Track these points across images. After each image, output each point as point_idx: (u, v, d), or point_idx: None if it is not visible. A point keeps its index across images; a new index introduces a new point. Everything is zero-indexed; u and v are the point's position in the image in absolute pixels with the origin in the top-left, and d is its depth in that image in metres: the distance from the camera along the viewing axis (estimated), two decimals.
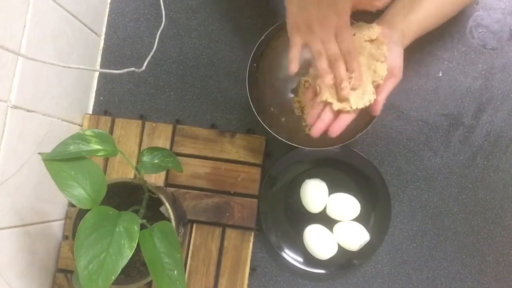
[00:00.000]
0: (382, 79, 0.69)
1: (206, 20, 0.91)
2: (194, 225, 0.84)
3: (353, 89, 0.66)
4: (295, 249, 0.84)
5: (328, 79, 0.66)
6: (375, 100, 0.69)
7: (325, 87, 0.67)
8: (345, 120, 0.68)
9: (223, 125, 0.89)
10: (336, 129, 0.67)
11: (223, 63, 0.90)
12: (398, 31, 0.71)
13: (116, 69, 0.72)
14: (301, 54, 0.68)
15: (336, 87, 0.67)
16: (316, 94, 0.69)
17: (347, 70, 0.66)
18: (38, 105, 0.74)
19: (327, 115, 0.68)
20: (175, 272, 0.58)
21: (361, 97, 0.68)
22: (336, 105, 0.67)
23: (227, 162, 0.86)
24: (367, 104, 0.68)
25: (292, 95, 0.87)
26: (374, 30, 0.70)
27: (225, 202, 0.85)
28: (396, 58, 0.70)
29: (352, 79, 0.66)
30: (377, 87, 0.69)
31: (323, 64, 0.66)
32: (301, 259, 0.84)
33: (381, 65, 0.69)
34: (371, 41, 0.70)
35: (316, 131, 0.68)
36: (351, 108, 0.67)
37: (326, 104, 0.68)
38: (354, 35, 0.70)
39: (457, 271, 0.85)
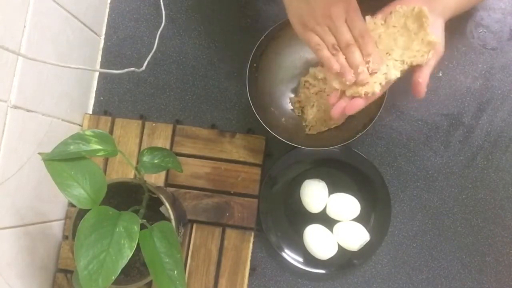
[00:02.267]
0: (422, 57, 0.64)
1: (206, 20, 0.91)
2: (194, 225, 0.84)
3: (373, 73, 0.63)
4: (295, 249, 0.84)
5: (335, 67, 0.63)
6: (416, 81, 0.64)
7: (331, 76, 0.65)
8: (358, 104, 0.64)
9: (223, 125, 0.89)
10: (349, 111, 0.65)
11: (223, 63, 0.90)
12: (440, 1, 0.66)
13: (116, 69, 0.72)
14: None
15: (343, 73, 0.63)
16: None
17: (362, 54, 0.63)
18: (38, 105, 0.74)
19: (342, 101, 0.66)
20: (175, 272, 0.58)
21: (373, 80, 0.64)
22: (348, 92, 0.65)
23: (227, 162, 0.86)
24: (377, 88, 0.64)
25: (292, 95, 0.87)
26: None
27: (225, 202, 0.85)
28: (436, 31, 0.65)
29: (369, 62, 0.63)
30: (416, 66, 0.65)
31: (324, 53, 0.63)
32: (301, 259, 0.84)
33: (420, 42, 0.64)
34: (410, 15, 0.65)
35: (334, 113, 0.66)
36: (362, 93, 0.64)
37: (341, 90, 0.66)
38: (391, 13, 0.66)
39: (457, 271, 0.85)
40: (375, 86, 0.64)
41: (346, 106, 0.65)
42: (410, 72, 0.67)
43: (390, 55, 0.65)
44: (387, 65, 0.65)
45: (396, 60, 0.65)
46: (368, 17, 0.68)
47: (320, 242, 0.81)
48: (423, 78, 0.65)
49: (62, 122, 0.82)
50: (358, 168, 0.84)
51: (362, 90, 0.64)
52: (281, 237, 0.84)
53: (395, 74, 0.64)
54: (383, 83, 0.64)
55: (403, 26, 0.66)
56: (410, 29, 0.65)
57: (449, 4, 0.67)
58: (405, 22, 0.66)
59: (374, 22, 0.67)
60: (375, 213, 0.84)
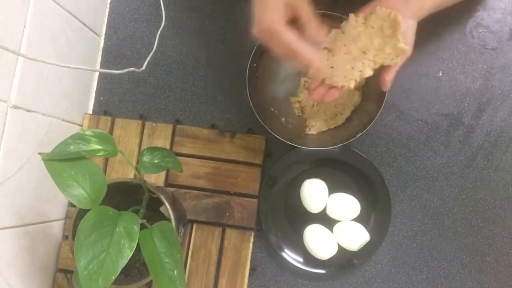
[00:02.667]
0: (392, 60, 0.68)
1: (206, 20, 0.91)
2: (194, 225, 0.84)
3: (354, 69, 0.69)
4: (295, 249, 0.84)
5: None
6: (383, 79, 0.70)
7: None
8: (333, 94, 0.72)
9: (223, 125, 0.89)
10: (326, 99, 0.73)
11: (223, 63, 0.90)
12: (413, 3, 0.68)
13: (116, 69, 0.72)
14: None
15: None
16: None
17: None
18: (38, 105, 0.74)
19: (321, 88, 0.73)
20: (175, 272, 0.58)
21: (349, 75, 0.70)
22: (327, 81, 0.72)
23: (227, 162, 0.86)
24: (352, 83, 0.70)
25: (292, 95, 0.87)
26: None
27: (225, 202, 0.85)
28: (407, 33, 0.67)
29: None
30: (385, 66, 0.69)
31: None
32: (301, 259, 0.84)
33: (392, 46, 0.67)
34: (386, 19, 0.68)
35: (313, 97, 0.74)
36: (339, 85, 0.71)
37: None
38: (372, 13, 0.69)
39: (457, 271, 0.85)
40: (350, 82, 0.70)
41: (324, 94, 0.72)
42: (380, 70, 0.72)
43: (365, 54, 0.69)
44: (363, 63, 0.69)
45: (370, 60, 0.69)
46: (351, 15, 0.70)
47: (320, 242, 0.81)
48: (389, 77, 0.71)
49: (62, 122, 0.82)
50: (358, 168, 0.84)
51: (339, 83, 0.70)
52: (281, 237, 0.84)
53: (368, 73, 0.69)
54: (358, 79, 0.70)
55: (379, 28, 0.68)
56: (385, 33, 0.68)
57: (425, 5, 0.69)
58: (382, 24, 0.68)
59: (356, 20, 0.70)
60: (375, 213, 0.84)
